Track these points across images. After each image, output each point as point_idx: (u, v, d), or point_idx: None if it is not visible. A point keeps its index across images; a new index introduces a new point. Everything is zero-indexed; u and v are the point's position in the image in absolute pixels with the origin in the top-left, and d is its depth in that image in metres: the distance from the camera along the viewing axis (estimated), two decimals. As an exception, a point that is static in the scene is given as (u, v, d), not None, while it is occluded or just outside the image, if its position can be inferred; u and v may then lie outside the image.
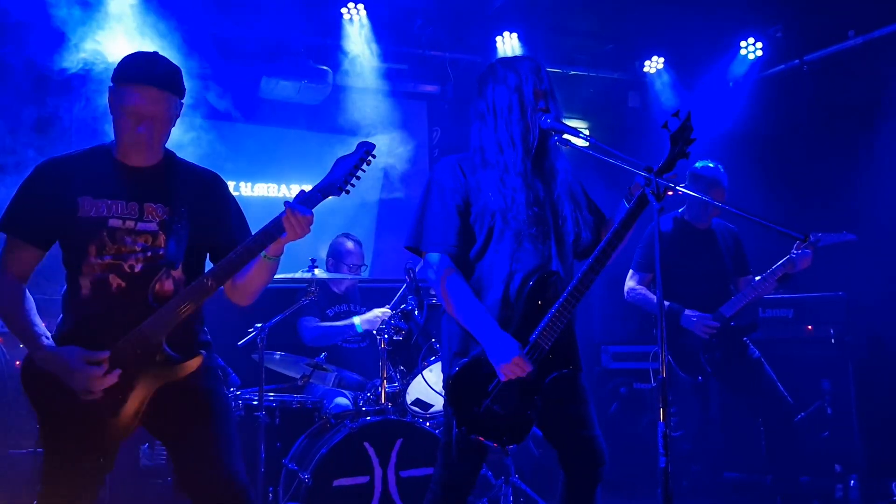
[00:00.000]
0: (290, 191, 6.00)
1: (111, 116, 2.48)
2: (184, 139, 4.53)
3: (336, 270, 4.98)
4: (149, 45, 4.78)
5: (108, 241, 2.43)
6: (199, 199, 2.56)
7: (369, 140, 2.52)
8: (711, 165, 4.51)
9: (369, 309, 5.02)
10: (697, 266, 4.46)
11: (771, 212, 5.57)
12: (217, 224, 2.59)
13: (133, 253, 2.44)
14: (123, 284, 2.43)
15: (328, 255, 5.07)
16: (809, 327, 5.16)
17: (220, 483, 2.45)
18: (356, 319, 4.68)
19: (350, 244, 5.04)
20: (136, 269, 2.44)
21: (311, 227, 2.41)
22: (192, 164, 2.66)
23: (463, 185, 2.69)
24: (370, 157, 2.49)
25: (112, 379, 2.35)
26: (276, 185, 5.97)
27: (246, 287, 2.59)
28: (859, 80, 5.51)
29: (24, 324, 2.42)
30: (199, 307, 2.50)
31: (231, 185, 5.57)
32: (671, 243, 4.49)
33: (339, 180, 2.44)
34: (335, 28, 5.73)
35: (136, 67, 2.44)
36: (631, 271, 4.62)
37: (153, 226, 2.48)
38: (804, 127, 5.88)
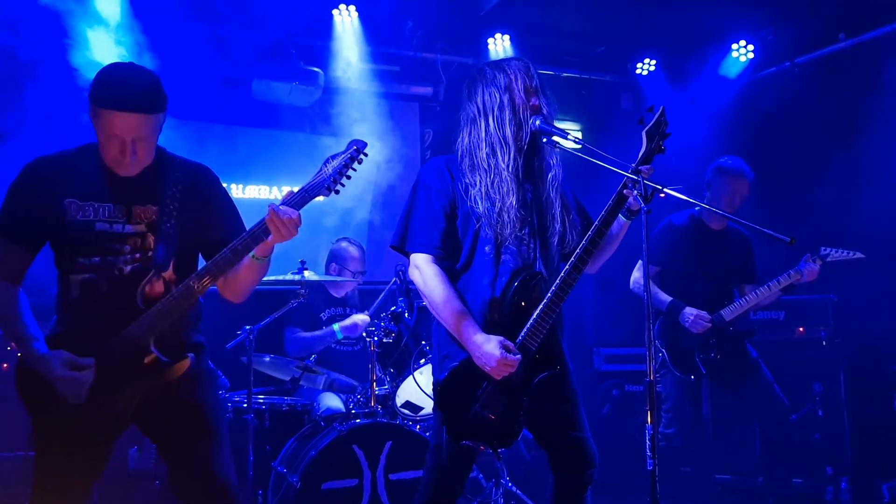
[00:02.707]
0: (282, 192, 5.97)
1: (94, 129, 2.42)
2: (176, 141, 4.51)
3: (339, 275, 4.95)
4: (141, 47, 4.77)
5: (95, 244, 2.41)
6: (190, 195, 2.52)
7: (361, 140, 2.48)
8: (733, 160, 4.51)
9: (361, 312, 5.00)
10: (705, 265, 4.46)
11: (760, 214, 5.59)
12: (209, 220, 2.56)
13: (122, 256, 2.43)
14: (112, 287, 2.41)
15: (330, 260, 5.04)
16: (801, 329, 5.17)
17: (209, 485, 2.45)
18: (336, 326, 4.67)
19: (354, 250, 4.99)
20: (126, 272, 2.43)
21: (303, 228, 2.39)
22: (183, 159, 2.62)
23: (450, 187, 2.68)
24: (361, 156, 2.44)
25: (98, 384, 2.34)
26: (267, 187, 5.95)
27: (236, 285, 2.57)
28: (849, 83, 5.53)
29: (15, 326, 2.40)
30: (188, 309, 2.48)
31: (221, 186, 5.61)
32: (683, 240, 4.50)
33: (327, 180, 2.40)
34: (326, 29, 5.71)
35: (115, 91, 2.33)
36: (640, 262, 4.60)
37: (141, 228, 2.46)
38: (794, 128, 5.89)
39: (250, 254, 2.43)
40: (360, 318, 4.62)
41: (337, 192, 2.43)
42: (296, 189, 2.41)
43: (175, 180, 2.51)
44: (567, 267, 2.56)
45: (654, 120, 2.56)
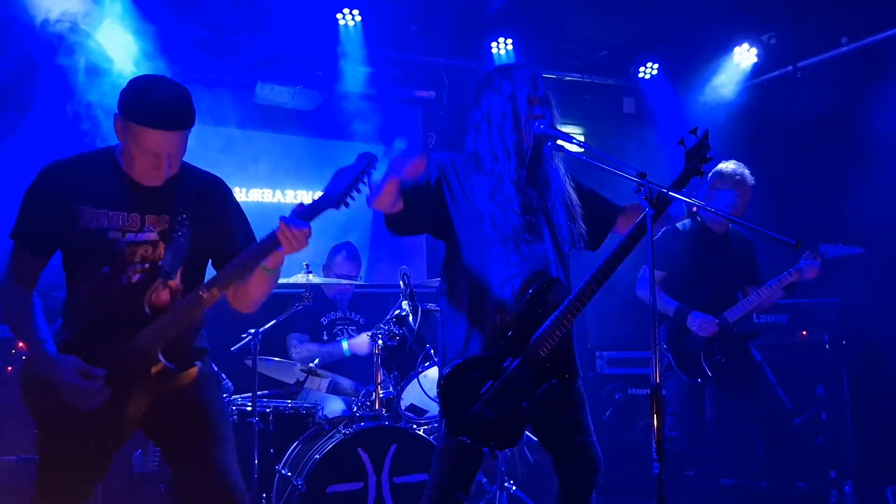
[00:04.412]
0: (285, 196, 5.99)
1: (119, 140, 2.43)
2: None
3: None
4: (142, 48, 4.77)
5: (106, 252, 2.41)
6: (202, 205, 2.53)
7: (365, 147, 2.49)
8: (735, 165, 4.48)
9: (363, 315, 5.01)
10: (709, 268, 4.47)
11: (764, 217, 5.60)
12: (220, 231, 2.57)
13: (131, 264, 2.43)
14: (121, 295, 2.41)
15: (325, 265, 5.08)
16: (804, 333, 5.17)
17: (216, 487, 2.44)
18: (344, 344, 4.69)
19: (339, 258, 5.01)
20: (134, 280, 2.43)
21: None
22: (197, 168, 2.62)
23: (452, 179, 2.69)
24: (372, 170, 2.44)
25: (107, 393, 2.34)
26: (270, 191, 5.95)
27: (246, 296, 2.59)
28: (852, 87, 5.53)
29: (27, 330, 2.41)
30: (196, 318, 2.49)
31: (225, 190, 5.62)
32: (687, 243, 4.50)
33: (338, 194, 2.40)
34: (330, 33, 5.72)
35: (154, 109, 2.30)
36: (644, 268, 4.61)
37: (153, 236, 2.46)
38: (797, 133, 5.90)
39: (260, 265, 2.43)
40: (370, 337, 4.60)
41: (347, 205, 2.43)
42: (307, 202, 2.41)
43: (190, 190, 2.52)
44: (587, 279, 2.53)
45: (695, 142, 2.53)
